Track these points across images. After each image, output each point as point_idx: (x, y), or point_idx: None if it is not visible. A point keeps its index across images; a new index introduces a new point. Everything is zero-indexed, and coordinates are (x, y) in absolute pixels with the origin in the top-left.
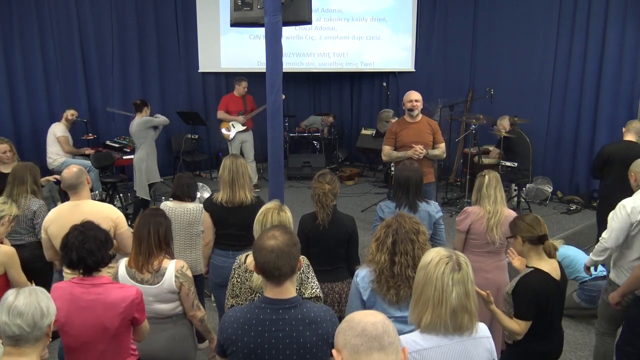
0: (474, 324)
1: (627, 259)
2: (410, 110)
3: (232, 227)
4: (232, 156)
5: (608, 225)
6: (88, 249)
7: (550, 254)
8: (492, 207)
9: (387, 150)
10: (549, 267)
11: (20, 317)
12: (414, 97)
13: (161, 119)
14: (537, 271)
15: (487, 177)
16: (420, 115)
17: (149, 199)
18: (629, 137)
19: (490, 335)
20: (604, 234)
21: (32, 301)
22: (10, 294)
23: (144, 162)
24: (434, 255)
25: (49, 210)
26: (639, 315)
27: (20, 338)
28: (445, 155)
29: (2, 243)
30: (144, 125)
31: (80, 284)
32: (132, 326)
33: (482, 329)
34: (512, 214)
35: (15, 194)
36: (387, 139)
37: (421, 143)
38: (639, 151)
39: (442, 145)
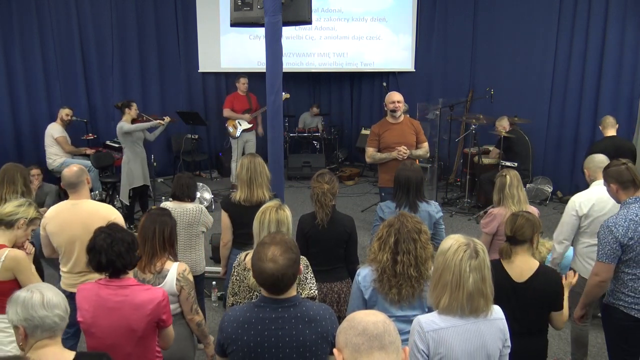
0: (489, 306)
1: (581, 245)
2: (393, 111)
3: (250, 226)
4: (250, 155)
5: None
6: (117, 252)
7: (501, 253)
8: (517, 207)
9: (370, 152)
10: (512, 266)
11: (57, 307)
12: (395, 98)
13: (138, 125)
14: (495, 262)
15: (508, 177)
16: (403, 115)
17: (128, 203)
18: (610, 132)
19: (503, 317)
20: (556, 230)
21: (57, 292)
22: (29, 293)
23: (126, 166)
24: (452, 242)
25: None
26: (613, 326)
27: (58, 327)
28: (428, 154)
29: (21, 247)
30: (118, 131)
31: (107, 285)
32: (158, 330)
33: (497, 311)
34: (535, 211)
35: (4, 193)
36: (370, 141)
37: (404, 143)
38: (624, 143)
39: (425, 144)
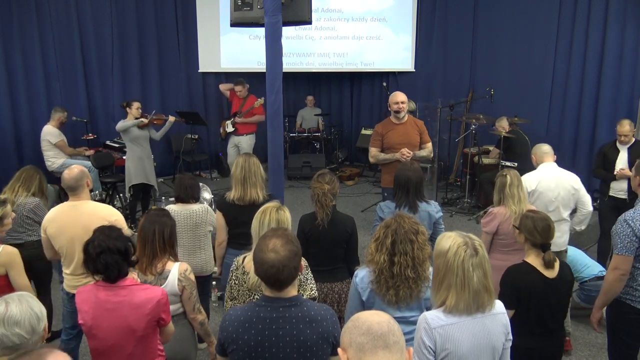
0: (492, 300)
1: None
2: (397, 112)
3: (245, 225)
4: (246, 155)
5: None
6: (104, 263)
7: (549, 263)
8: (517, 206)
9: (373, 152)
10: (540, 263)
11: (17, 325)
12: (399, 98)
13: (126, 123)
14: (524, 265)
15: (508, 176)
16: (407, 115)
17: (131, 198)
18: None
19: (505, 312)
20: None
21: (25, 308)
22: None
23: (126, 164)
24: (451, 243)
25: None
26: (618, 318)
27: (20, 346)
28: (432, 155)
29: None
30: (119, 129)
31: (105, 287)
32: (159, 327)
33: (499, 305)
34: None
35: (17, 186)
36: (374, 141)
37: (408, 144)
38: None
39: (429, 145)
